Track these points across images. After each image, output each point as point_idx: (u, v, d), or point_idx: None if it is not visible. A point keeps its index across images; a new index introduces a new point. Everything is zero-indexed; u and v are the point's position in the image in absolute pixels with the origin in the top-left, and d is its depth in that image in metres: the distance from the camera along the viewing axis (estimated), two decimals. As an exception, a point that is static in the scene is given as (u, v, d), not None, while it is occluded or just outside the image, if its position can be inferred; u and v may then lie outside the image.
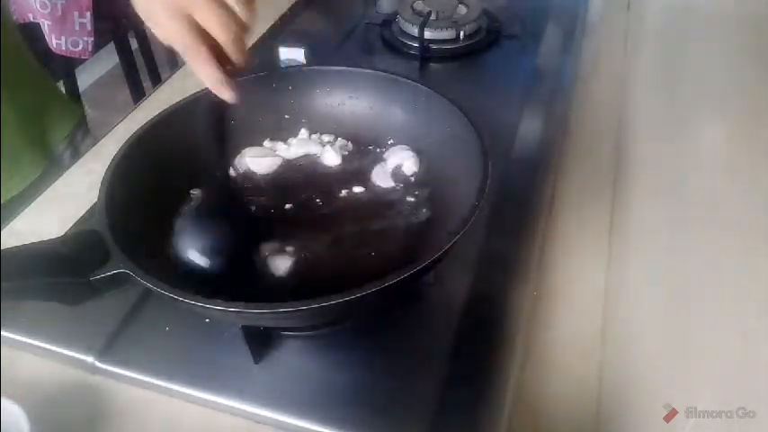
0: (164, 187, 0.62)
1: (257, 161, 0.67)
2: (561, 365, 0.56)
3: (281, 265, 0.56)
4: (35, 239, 0.48)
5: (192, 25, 0.47)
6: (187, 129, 0.64)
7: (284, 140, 0.71)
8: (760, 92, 0.41)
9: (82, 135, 0.97)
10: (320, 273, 0.56)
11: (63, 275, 0.46)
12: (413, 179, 0.64)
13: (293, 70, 0.73)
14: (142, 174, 0.58)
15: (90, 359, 0.56)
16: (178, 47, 0.48)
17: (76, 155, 0.91)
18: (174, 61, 1.55)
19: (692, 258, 0.44)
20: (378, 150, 0.68)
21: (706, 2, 0.64)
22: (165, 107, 0.64)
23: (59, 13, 1.32)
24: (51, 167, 0.88)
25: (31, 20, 1.32)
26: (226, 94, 0.51)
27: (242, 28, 0.49)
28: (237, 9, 0.48)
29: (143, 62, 1.49)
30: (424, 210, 0.61)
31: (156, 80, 1.48)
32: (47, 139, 0.89)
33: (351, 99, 0.70)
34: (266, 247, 0.58)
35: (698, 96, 0.55)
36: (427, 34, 0.96)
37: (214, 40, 0.48)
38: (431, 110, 0.64)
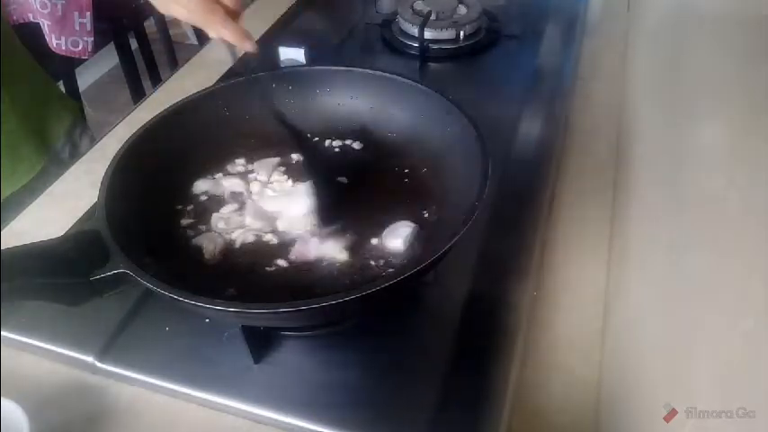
0: (164, 187, 0.62)
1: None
2: (561, 365, 0.56)
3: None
4: (35, 239, 0.48)
5: None
6: (187, 129, 0.65)
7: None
8: (760, 92, 0.41)
9: (80, 132, 0.97)
10: (320, 273, 0.56)
11: (63, 275, 0.46)
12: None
13: (293, 70, 0.73)
14: (142, 174, 0.58)
15: (90, 359, 0.56)
16: (197, 15, 0.55)
17: (76, 152, 0.91)
18: (175, 61, 1.55)
19: (691, 258, 0.44)
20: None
21: (706, 2, 0.64)
22: (165, 107, 0.64)
23: (59, 13, 1.32)
24: (51, 165, 0.88)
25: (31, 20, 1.32)
26: (249, 45, 0.59)
27: None
28: None
29: (143, 62, 1.49)
30: (424, 209, 0.61)
31: (156, 80, 1.48)
32: (46, 134, 0.90)
33: (351, 99, 0.70)
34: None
35: (698, 96, 0.55)
36: (427, 34, 0.96)
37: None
38: (431, 110, 0.64)
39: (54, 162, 0.89)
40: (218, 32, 0.57)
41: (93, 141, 0.88)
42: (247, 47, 0.58)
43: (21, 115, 0.84)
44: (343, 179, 0.66)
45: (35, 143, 0.87)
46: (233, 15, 0.57)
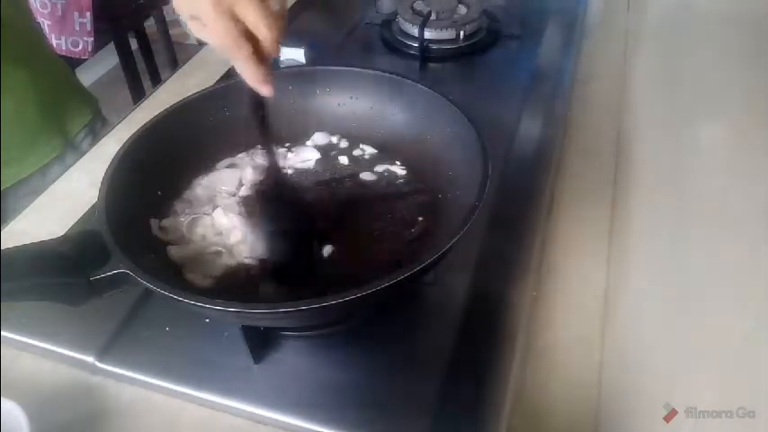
0: (164, 187, 0.62)
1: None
2: (561, 365, 0.56)
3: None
4: (35, 239, 0.48)
5: (237, 23, 0.49)
6: (187, 129, 0.65)
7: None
8: (760, 92, 0.41)
9: (101, 125, 1.00)
10: (320, 273, 0.56)
11: (63, 275, 0.46)
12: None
13: (293, 70, 0.73)
14: (142, 174, 0.58)
15: (90, 359, 0.56)
16: (223, 46, 0.50)
17: (96, 142, 0.92)
18: (175, 61, 1.55)
19: (692, 258, 0.44)
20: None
21: (706, 2, 0.64)
22: (165, 107, 0.64)
23: (59, 13, 1.32)
24: (71, 155, 0.90)
25: (31, 20, 1.32)
26: (265, 90, 0.53)
27: (282, 22, 0.51)
28: (276, 6, 0.51)
29: (143, 62, 1.49)
30: (424, 209, 0.61)
31: (156, 80, 1.48)
32: (64, 125, 0.92)
33: (351, 99, 0.70)
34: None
35: (698, 96, 0.55)
36: (427, 34, 0.96)
37: (250, 34, 0.50)
38: (431, 110, 0.64)
39: (73, 153, 0.91)
40: (239, 69, 0.52)
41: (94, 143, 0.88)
42: (262, 91, 0.54)
43: (42, 103, 0.86)
44: (343, 180, 0.66)
45: (53, 130, 0.89)
46: (262, 56, 0.52)
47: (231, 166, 0.68)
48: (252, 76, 0.52)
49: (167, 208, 0.62)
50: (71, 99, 0.95)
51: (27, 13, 0.90)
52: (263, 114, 0.57)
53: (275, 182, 0.61)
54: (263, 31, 0.49)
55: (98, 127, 0.98)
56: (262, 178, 0.64)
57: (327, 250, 0.58)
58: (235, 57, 0.51)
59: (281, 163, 0.68)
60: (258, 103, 0.55)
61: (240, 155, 0.69)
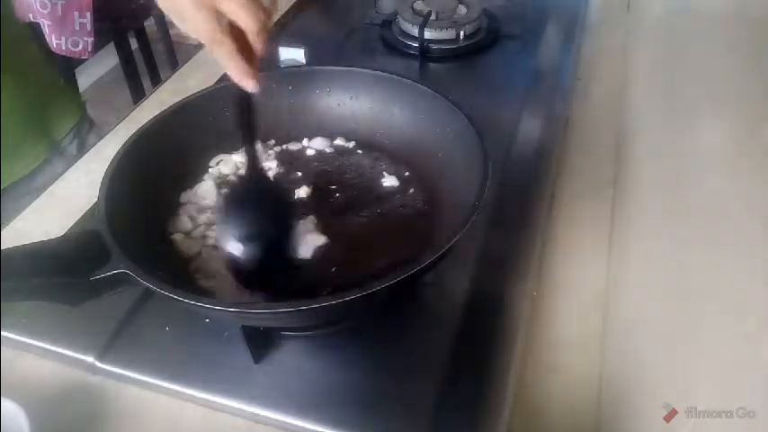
0: (164, 187, 0.62)
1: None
2: (561, 365, 0.56)
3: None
4: (35, 239, 0.48)
5: (218, 16, 0.47)
6: (187, 129, 0.65)
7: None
8: (760, 92, 0.42)
9: (88, 127, 0.99)
10: (320, 273, 0.56)
11: (63, 275, 0.46)
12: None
13: (293, 70, 0.73)
14: (142, 174, 0.58)
15: (90, 359, 0.56)
16: (204, 39, 0.48)
17: (83, 147, 0.92)
18: (175, 61, 1.55)
19: (692, 258, 0.44)
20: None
21: (706, 2, 0.64)
22: (165, 107, 0.64)
23: (59, 13, 1.32)
24: (57, 160, 0.89)
25: (31, 20, 1.32)
26: (250, 85, 0.51)
27: (267, 17, 0.49)
28: (265, 1, 0.48)
29: (143, 62, 1.49)
30: (425, 209, 0.61)
31: (156, 80, 1.48)
32: (50, 130, 0.91)
33: (351, 99, 0.70)
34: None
35: (698, 96, 0.55)
36: (427, 34, 0.96)
37: (237, 30, 0.48)
38: (431, 110, 0.64)
39: (60, 157, 0.90)
40: (222, 64, 0.51)
41: (100, 138, 0.88)
42: (247, 87, 0.51)
43: (25, 107, 0.85)
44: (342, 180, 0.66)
45: (38, 136, 0.88)
46: (250, 54, 0.50)
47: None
48: (233, 70, 0.50)
49: (168, 207, 0.62)
50: (57, 102, 0.93)
51: (10, 10, 0.88)
52: (249, 115, 0.54)
53: (256, 185, 0.57)
54: (244, 21, 0.47)
55: (85, 130, 0.97)
56: (239, 179, 0.61)
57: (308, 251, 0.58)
58: (216, 51, 0.49)
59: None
60: (244, 101, 0.53)
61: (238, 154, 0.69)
